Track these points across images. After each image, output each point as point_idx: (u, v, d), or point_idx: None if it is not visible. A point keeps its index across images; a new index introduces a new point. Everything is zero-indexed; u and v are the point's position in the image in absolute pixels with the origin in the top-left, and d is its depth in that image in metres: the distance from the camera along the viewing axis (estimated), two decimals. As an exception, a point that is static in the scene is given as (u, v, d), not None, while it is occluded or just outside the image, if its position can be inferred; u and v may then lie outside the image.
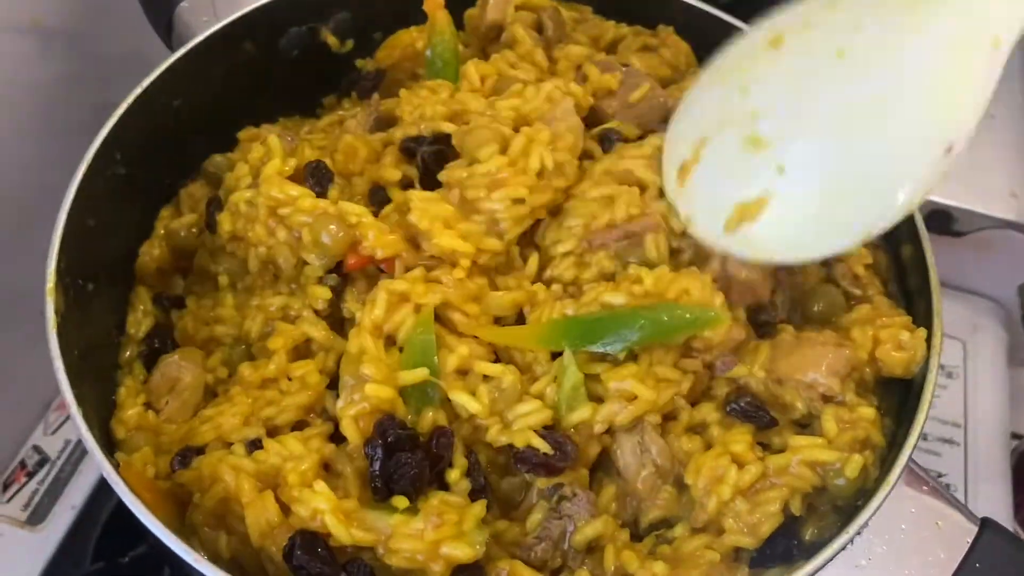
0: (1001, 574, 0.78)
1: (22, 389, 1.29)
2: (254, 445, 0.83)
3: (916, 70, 0.80)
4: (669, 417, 0.86)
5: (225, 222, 0.96)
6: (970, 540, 0.78)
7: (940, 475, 1.35)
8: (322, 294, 0.91)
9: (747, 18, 1.15)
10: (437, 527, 0.75)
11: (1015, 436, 1.45)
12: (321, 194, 0.94)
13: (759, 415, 0.85)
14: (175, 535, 0.74)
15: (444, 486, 0.81)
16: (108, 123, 0.98)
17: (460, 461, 0.81)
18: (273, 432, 0.85)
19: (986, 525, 0.80)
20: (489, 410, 0.83)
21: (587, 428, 0.82)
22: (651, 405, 0.82)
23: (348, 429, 0.81)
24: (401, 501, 0.78)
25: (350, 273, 0.92)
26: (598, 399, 0.83)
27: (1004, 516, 1.31)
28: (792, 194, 0.85)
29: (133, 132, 1.00)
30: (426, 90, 1.02)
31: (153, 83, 1.02)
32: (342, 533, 0.75)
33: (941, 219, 1.44)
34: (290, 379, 0.89)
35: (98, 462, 0.78)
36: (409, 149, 0.98)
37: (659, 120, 1.03)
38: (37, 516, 1.23)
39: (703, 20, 1.17)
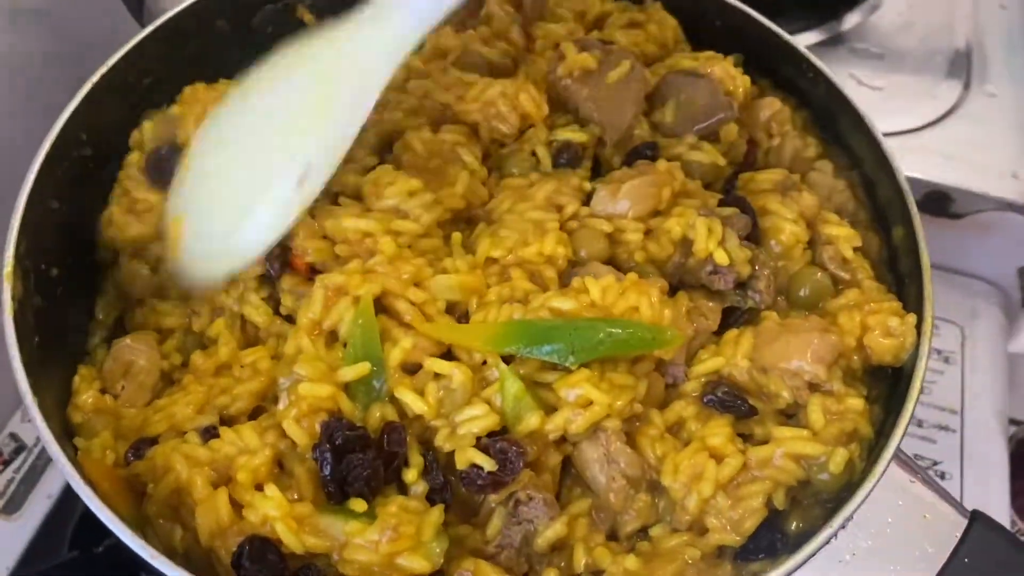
0: (991, 569, 0.75)
1: (-2, 376, 1.27)
2: (209, 434, 0.80)
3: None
4: (635, 420, 0.83)
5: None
6: (959, 534, 0.75)
7: (936, 462, 1.32)
8: (255, 273, 0.91)
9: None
10: (393, 540, 0.73)
11: (1013, 422, 1.43)
12: None
13: (737, 404, 0.82)
14: (130, 528, 0.72)
15: (402, 484, 0.78)
16: (72, 102, 0.95)
17: (416, 460, 0.78)
18: (230, 421, 0.83)
19: (976, 518, 0.77)
20: (436, 411, 0.79)
21: (542, 436, 0.79)
22: (608, 409, 0.78)
23: (291, 431, 0.78)
24: (358, 504, 0.75)
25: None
26: (553, 408, 0.79)
27: (1001, 504, 1.28)
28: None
29: (100, 112, 0.97)
30: None
31: (120, 61, 0.99)
32: (293, 542, 0.73)
33: (939, 200, 1.41)
34: (243, 367, 0.87)
35: (53, 454, 0.75)
36: None
37: (634, 102, 0.99)
38: (13, 505, 1.21)
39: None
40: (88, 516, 1.18)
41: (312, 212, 0.89)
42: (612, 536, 0.81)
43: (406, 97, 1.01)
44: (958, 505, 0.79)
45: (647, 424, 0.82)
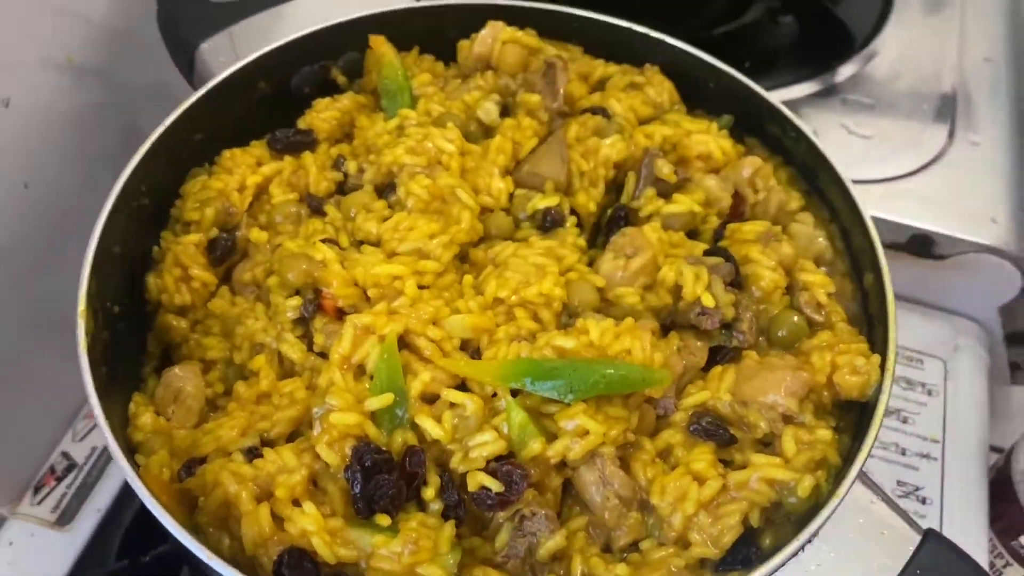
0: (942, 580, 0.84)
1: (52, 398, 1.37)
2: (252, 454, 0.90)
3: None
4: (629, 447, 0.92)
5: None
6: (912, 548, 0.85)
7: (918, 488, 1.40)
8: (290, 316, 1.01)
9: (737, 50, 1.24)
10: (413, 552, 0.82)
11: (995, 449, 1.51)
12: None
13: (719, 433, 0.92)
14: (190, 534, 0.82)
15: (421, 501, 0.88)
16: (135, 158, 1.05)
17: (434, 479, 0.88)
18: (270, 444, 0.92)
19: (928, 534, 0.86)
20: (451, 436, 0.89)
21: (544, 460, 0.88)
22: (603, 438, 0.88)
23: (324, 454, 0.87)
24: (383, 519, 0.84)
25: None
26: (553, 436, 0.89)
27: (980, 527, 1.36)
28: None
29: (157, 165, 1.08)
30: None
31: (176, 120, 1.10)
32: (327, 553, 0.82)
33: (922, 242, 1.50)
34: (281, 396, 0.97)
35: (123, 470, 0.86)
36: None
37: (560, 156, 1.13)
38: (65, 517, 1.31)
39: (687, 59, 1.25)
40: (135, 528, 1.31)
41: (342, 261, 1.00)
42: (606, 549, 0.90)
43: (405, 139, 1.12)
44: (914, 524, 0.88)
45: (639, 450, 0.92)
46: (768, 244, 1.04)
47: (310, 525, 0.83)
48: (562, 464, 0.90)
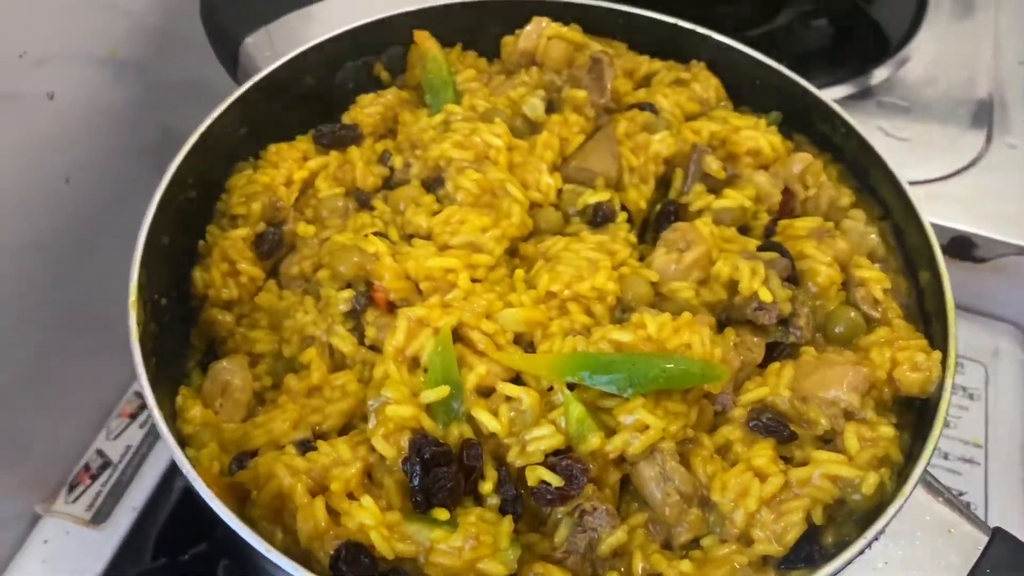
0: (1012, 579, 0.83)
1: (87, 397, 1.37)
2: (305, 447, 0.89)
3: None
4: (688, 442, 0.91)
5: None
6: (982, 547, 0.83)
7: (961, 493, 1.39)
8: (342, 309, 0.99)
9: (771, 52, 1.23)
10: (474, 548, 0.81)
11: (1035, 457, 1.49)
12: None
13: (780, 429, 0.90)
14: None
15: (478, 496, 0.87)
16: (183, 149, 1.05)
17: (491, 473, 0.87)
18: (322, 437, 0.91)
19: (997, 533, 0.85)
20: (508, 430, 0.88)
21: (603, 455, 0.87)
22: (662, 433, 0.87)
23: (380, 447, 0.87)
24: (442, 513, 0.84)
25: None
26: (612, 431, 0.88)
27: (1023, 532, 1.35)
28: None
29: (204, 158, 1.08)
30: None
31: (222, 114, 1.10)
32: (385, 548, 0.81)
33: (963, 245, 1.48)
34: (333, 389, 0.96)
35: (179, 462, 0.84)
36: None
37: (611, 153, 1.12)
38: (100, 516, 1.30)
39: (734, 56, 1.24)
40: (170, 527, 1.30)
41: (394, 255, 0.99)
42: (666, 546, 0.89)
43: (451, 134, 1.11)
44: (981, 523, 0.87)
45: (698, 446, 0.91)
46: (822, 240, 1.03)
47: (368, 519, 0.82)
48: (620, 460, 0.89)
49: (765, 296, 0.95)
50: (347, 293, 0.99)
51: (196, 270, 1.07)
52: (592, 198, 1.08)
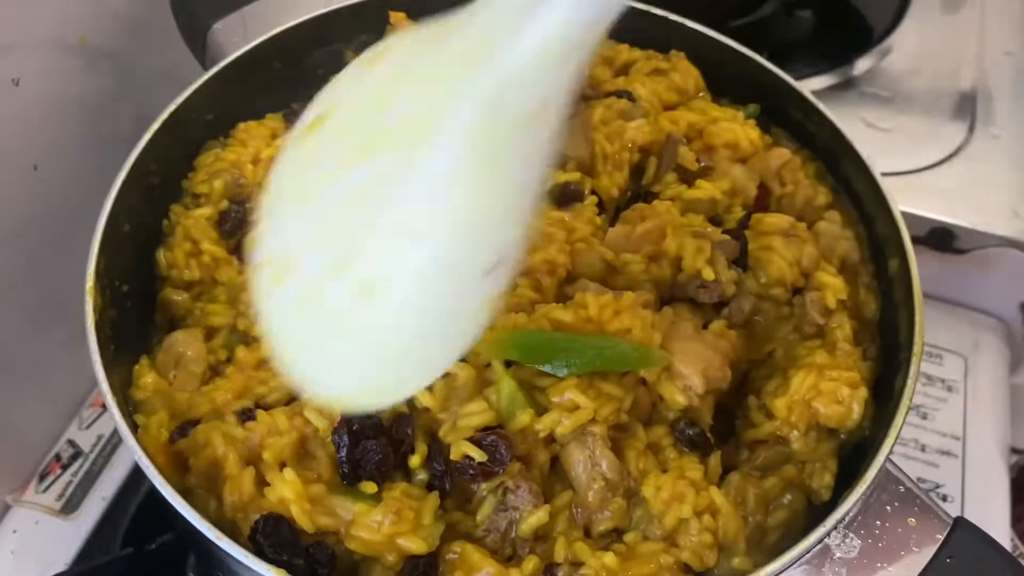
0: (973, 567, 0.81)
1: (58, 387, 1.36)
2: (246, 416, 0.88)
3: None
4: (622, 430, 0.89)
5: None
6: (942, 536, 0.82)
7: (938, 485, 1.38)
8: None
9: (754, 42, 1.22)
10: (394, 522, 0.79)
11: (1015, 451, 1.48)
12: None
13: (704, 446, 0.90)
14: (184, 499, 0.80)
15: (407, 471, 0.86)
16: (145, 135, 1.04)
17: (421, 448, 0.85)
18: (267, 408, 0.90)
19: (958, 523, 0.84)
20: (441, 405, 0.86)
21: (533, 434, 0.85)
22: (592, 414, 0.85)
23: (313, 418, 0.86)
24: (369, 487, 0.82)
25: None
26: (545, 410, 0.86)
27: (1001, 526, 1.34)
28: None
29: (168, 144, 1.07)
30: None
31: (187, 99, 1.09)
32: (306, 522, 0.80)
33: (943, 236, 1.48)
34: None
35: (118, 426, 0.84)
36: None
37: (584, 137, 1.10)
38: (70, 506, 1.29)
39: (713, 45, 1.23)
40: (140, 517, 1.29)
41: None
42: (586, 533, 0.87)
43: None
44: (943, 512, 0.86)
45: (633, 437, 0.89)
46: (790, 240, 1.01)
47: (288, 492, 0.81)
48: (551, 440, 0.87)
49: (708, 274, 0.94)
50: None
51: (160, 251, 1.06)
52: (561, 177, 1.06)
